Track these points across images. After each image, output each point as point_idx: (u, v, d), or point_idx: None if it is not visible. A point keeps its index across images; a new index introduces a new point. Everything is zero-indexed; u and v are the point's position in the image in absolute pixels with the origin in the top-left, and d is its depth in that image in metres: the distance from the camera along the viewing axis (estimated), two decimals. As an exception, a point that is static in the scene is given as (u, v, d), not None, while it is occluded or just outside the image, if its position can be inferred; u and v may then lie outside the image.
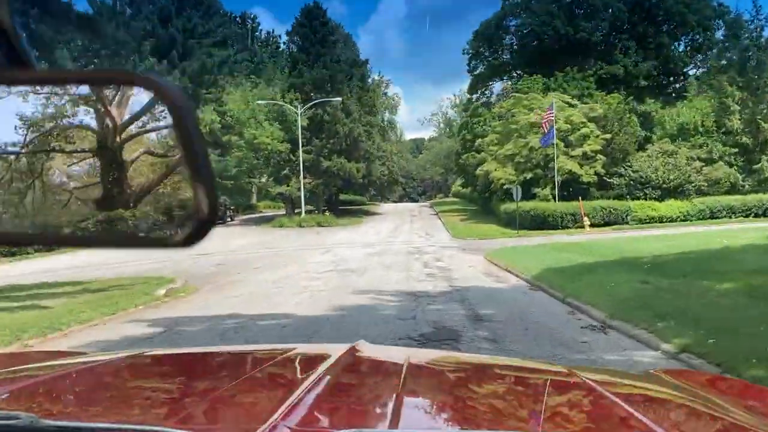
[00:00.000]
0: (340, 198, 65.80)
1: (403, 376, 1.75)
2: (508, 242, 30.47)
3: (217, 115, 41.63)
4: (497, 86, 64.64)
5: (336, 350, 2.00)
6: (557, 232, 35.69)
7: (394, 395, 1.57)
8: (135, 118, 2.74)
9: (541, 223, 36.97)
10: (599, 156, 41.75)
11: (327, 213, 49.15)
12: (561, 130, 41.46)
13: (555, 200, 39.46)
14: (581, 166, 41.51)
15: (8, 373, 1.94)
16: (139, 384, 1.93)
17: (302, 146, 47.56)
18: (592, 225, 36.46)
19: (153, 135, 2.39)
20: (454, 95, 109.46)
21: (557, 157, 41.50)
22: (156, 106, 0.82)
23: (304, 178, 48.38)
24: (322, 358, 1.94)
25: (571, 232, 35.42)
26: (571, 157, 41.96)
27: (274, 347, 2.62)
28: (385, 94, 53.95)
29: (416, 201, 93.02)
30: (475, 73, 65.33)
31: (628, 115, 44.21)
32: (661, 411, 1.73)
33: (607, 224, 37.33)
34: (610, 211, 37.84)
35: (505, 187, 42.54)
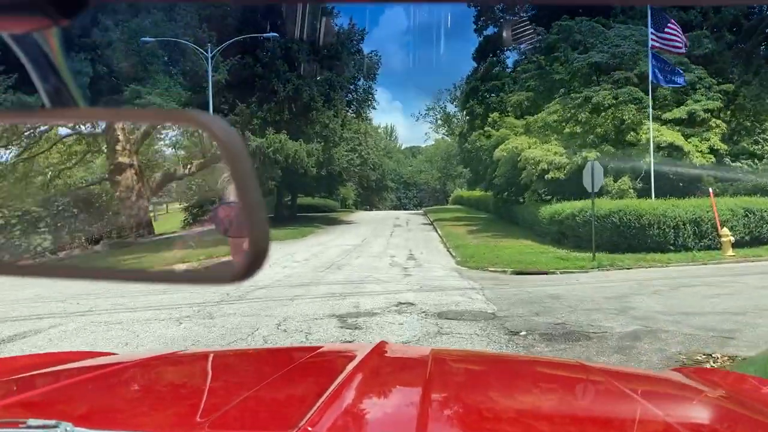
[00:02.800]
0: (301, 203, 47.88)
1: (428, 376, 1.77)
2: (605, 288, 12.69)
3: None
4: (510, 58, 46.12)
5: (361, 350, 2.05)
6: (671, 257, 17.71)
7: (422, 396, 1.56)
8: (187, 154, 1.10)
9: (630, 237, 18.91)
10: (715, 121, 23.79)
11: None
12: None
13: (650, 196, 21.44)
14: (686, 137, 23.54)
15: (39, 375, 1.94)
16: (168, 386, 1.96)
17: (217, 113, 29.48)
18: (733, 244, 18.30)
19: (205, 171, 1.00)
20: (454, 86, 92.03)
21: (641, 123, 23.58)
22: (208, 143, 0.87)
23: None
24: (348, 358, 2.01)
25: (702, 258, 17.49)
26: (665, 122, 24.00)
27: (301, 347, 3.40)
28: (358, 50, 35.67)
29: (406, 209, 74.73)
30: (485, 34, 47.24)
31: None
32: (685, 409, 1.73)
33: (759, 241, 19.30)
34: (763, 216, 19.73)
35: (548, 176, 24.47)
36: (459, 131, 44.60)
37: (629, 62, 24.80)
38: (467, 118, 40.49)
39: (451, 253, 21.47)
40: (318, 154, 33.53)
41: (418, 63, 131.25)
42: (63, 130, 1.16)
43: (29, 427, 1.06)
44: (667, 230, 18.76)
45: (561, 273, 16.29)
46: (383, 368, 2.00)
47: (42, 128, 1.03)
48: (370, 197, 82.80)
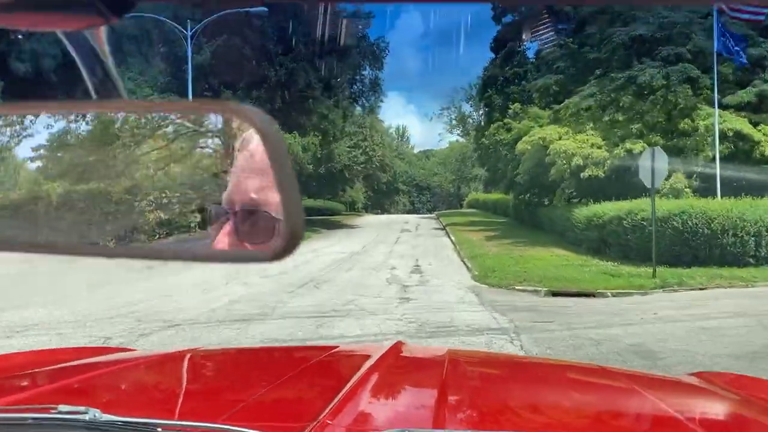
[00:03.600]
0: (306, 205, 43.95)
1: (444, 374, 1.78)
2: (707, 328, 8.63)
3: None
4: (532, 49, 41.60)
5: (377, 350, 2.06)
6: (756, 274, 13.53)
7: (438, 394, 1.55)
8: (224, 142, 0.99)
9: (696, 246, 14.73)
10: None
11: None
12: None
13: (713, 195, 17.24)
14: (754, 125, 19.35)
15: (64, 368, 1.97)
16: (189, 380, 1.97)
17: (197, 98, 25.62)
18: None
19: (243, 157, 0.96)
20: (470, 85, 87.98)
21: (696, 108, 19.54)
22: (245, 131, 0.91)
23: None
24: (365, 357, 1.99)
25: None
26: (725, 107, 19.84)
27: (316, 346, 3.32)
28: (364, 36, 31.72)
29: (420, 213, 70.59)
30: (503, 21, 43.08)
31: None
32: (701, 409, 1.72)
33: None
34: None
35: (584, 173, 20.42)
36: (475, 128, 40.29)
37: (681, 35, 20.64)
38: (484, 110, 36.40)
39: (466, 265, 17.38)
40: (315, 150, 29.56)
41: (433, 67, 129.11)
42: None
43: (60, 412, 1.08)
44: (746, 238, 14.56)
45: (613, 295, 12.20)
46: (400, 366, 2.01)
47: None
48: (381, 200, 78.92)
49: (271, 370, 2.09)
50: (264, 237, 0.91)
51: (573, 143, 20.93)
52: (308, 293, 11.96)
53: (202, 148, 1.09)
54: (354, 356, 2.36)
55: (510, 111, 31.56)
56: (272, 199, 0.89)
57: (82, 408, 1.10)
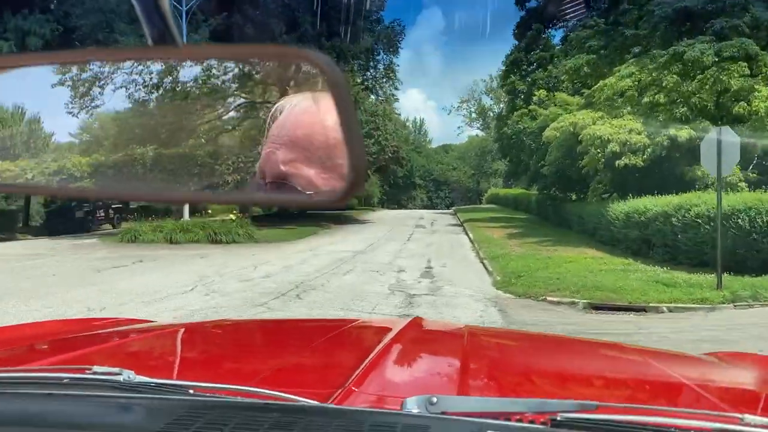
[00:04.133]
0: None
1: (465, 345, 1.81)
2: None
3: None
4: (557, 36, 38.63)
5: (397, 323, 2.17)
6: None
7: (460, 363, 1.57)
8: (294, 90, 1.13)
9: (766, 250, 12.18)
10: None
11: (242, 218, 24.69)
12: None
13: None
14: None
15: (93, 335, 2.03)
16: (217, 348, 2.02)
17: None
18: None
19: (308, 104, 1.10)
20: (491, 76, 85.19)
21: (753, 90, 16.94)
22: (315, 80, 0.94)
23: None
24: (386, 329, 2.06)
25: None
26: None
27: (338, 318, 3.68)
28: (378, 19, 29.28)
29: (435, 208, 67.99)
30: (527, 6, 40.34)
31: None
32: (725, 388, 1.68)
33: None
34: None
35: (621, 162, 17.93)
36: (496, 117, 37.61)
37: (736, 6, 18.01)
38: (507, 98, 33.80)
39: (486, 268, 14.96)
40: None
41: (454, 63, 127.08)
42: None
43: (94, 373, 1.11)
44: None
45: (670, 310, 9.75)
46: (421, 338, 2.04)
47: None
48: (398, 195, 76.44)
49: (295, 340, 2.10)
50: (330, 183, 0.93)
51: (609, 128, 18.39)
52: (284, 306, 9.59)
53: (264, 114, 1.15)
54: (375, 328, 2.50)
55: (535, 98, 29.03)
56: (303, 171, 0.96)
57: (116, 369, 1.11)
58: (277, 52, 1.10)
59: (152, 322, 2.65)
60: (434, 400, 0.97)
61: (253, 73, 1.15)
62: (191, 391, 1.06)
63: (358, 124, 0.82)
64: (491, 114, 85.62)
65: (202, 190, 1.16)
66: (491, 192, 65.54)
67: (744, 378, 1.80)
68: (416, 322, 2.13)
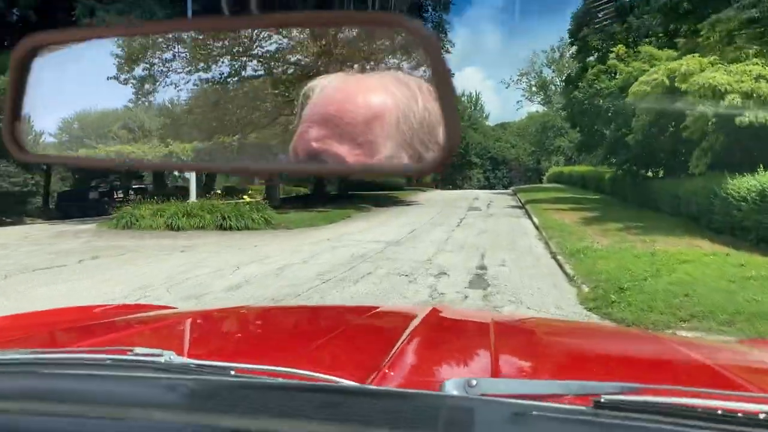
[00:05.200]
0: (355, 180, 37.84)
1: (492, 331, 1.78)
2: None
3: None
4: None
5: (419, 311, 2.12)
6: None
7: (490, 348, 1.56)
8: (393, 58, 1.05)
9: None
10: None
11: (259, 201, 20.79)
12: None
13: None
14: None
15: (136, 318, 2.09)
16: (254, 331, 2.03)
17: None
18: None
19: (341, 82, 1.03)
20: (552, 47, 79.19)
21: None
22: (412, 47, 0.93)
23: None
24: (410, 316, 2.01)
25: None
26: None
27: (360, 306, 3.61)
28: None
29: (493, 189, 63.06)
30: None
31: None
32: (747, 371, 1.60)
33: None
34: None
35: (744, 119, 13.08)
36: (564, 78, 32.40)
37: None
38: (577, 55, 28.77)
39: (563, 269, 10.56)
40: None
41: (512, 37, 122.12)
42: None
43: (136, 354, 1.11)
44: None
45: None
46: (446, 325, 2.05)
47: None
48: (453, 175, 71.77)
49: (323, 325, 2.12)
50: (426, 150, 0.94)
51: (725, 76, 13.59)
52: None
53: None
54: (399, 315, 2.48)
55: (612, 56, 24.10)
56: (334, 148, 0.93)
57: (157, 351, 1.11)
58: (364, 18, 1.06)
59: (174, 308, 2.71)
60: (474, 382, 0.95)
61: (337, 44, 1.13)
62: (233, 372, 1.04)
63: (453, 89, 0.78)
64: (553, 87, 79.86)
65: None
66: (554, 170, 60.19)
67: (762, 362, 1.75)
68: (437, 311, 2.14)
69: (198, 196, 21.26)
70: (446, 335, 1.87)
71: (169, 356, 1.09)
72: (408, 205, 30.24)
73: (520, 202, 30.25)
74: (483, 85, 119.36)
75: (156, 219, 18.93)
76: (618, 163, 23.30)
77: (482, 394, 0.92)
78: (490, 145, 76.00)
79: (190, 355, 1.14)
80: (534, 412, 0.82)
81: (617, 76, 21.95)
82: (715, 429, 0.78)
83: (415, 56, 0.93)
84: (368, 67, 1.11)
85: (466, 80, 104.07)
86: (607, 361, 1.67)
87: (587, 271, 9.55)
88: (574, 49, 29.55)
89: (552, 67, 79.76)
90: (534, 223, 19.59)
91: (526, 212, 24.13)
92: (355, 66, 1.13)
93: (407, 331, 1.62)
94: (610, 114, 22.16)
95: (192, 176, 20.53)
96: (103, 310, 2.44)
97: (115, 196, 29.59)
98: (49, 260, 11.83)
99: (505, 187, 64.14)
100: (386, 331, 1.97)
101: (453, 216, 22.73)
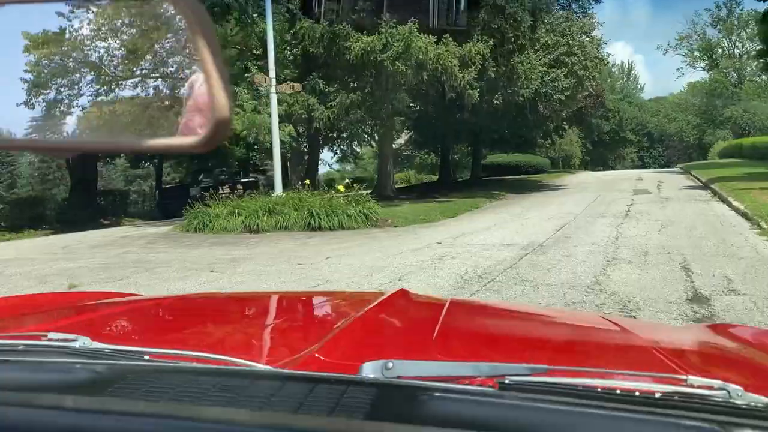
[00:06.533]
0: (492, 162, 33.01)
1: (441, 316, 1.75)
2: None
3: None
4: None
5: (382, 295, 2.07)
6: None
7: (429, 331, 1.54)
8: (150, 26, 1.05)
9: None
10: None
11: (360, 192, 16.51)
12: None
13: None
14: None
15: (66, 307, 2.08)
16: (183, 318, 1.99)
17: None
18: None
19: (167, 41, 1.03)
20: (717, 4, 68.97)
21: None
22: (171, 14, 0.91)
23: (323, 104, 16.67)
24: (366, 301, 1.98)
25: None
26: None
27: (319, 291, 3.55)
28: None
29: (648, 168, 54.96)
30: None
31: None
32: (686, 353, 1.66)
33: None
34: None
35: None
36: (762, 14, 25.18)
37: None
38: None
39: None
40: (483, 64, 18.02)
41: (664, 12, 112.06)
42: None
43: (50, 339, 1.11)
44: None
45: None
46: (398, 309, 1.99)
47: None
48: (604, 154, 64.19)
49: (268, 311, 2.10)
50: (193, 124, 0.90)
51: None
52: None
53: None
54: (355, 299, 2.41)
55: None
56: (199, 86, 0.89)
57: (71, 336, 1.12)
58: None
59: (139, 295, 2.68)
60: (390, 365, 0.96)
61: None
62: (146, 357, 1.05)
63: (220, 58, 0.74)
64: (719, 50, 69.58)
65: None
66: (729, 143, 51.16)
67: (712, 346, 1.73)
68: (401, 294, 2.12)
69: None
70: (390, 320, 1.83)
71: (84, 341, 1.09)
72: (554, 189, 24.79)
73: (700, 181, 23.86)
74: (635, 60, 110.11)
75: (232, 219, 15.18)
76: None
77: (398, 377, 0.92)
78: (646, 120, 67.42)
79: (109, 341, 1.12)
80: (438, 394, 0.82)
81: None
82: (612, 408, 0.78)
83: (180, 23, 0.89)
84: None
85: (617, 54, 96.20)
86: (531, 344, 1.68)
87: None
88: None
89: (718, 26, 69.54)
90: (735, 209, 13.82)
91: (715, 194, 18.09)
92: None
93: (352, 316, 1.65)
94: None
95: (276, 164, 16.58)
96: (69, 297, 2.48)
97: (220, 191, 26.87)
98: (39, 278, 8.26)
99: (661, 167, 55.90)
100: (330, 316, 2.00)
101: (616, 202, 17.18)
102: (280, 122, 17.11)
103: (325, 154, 35.72)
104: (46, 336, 1.13)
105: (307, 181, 16.62)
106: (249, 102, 18.00)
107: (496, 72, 18.82)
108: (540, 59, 20.14)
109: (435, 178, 39.05)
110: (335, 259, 9.43)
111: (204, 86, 0.78)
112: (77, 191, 26.11)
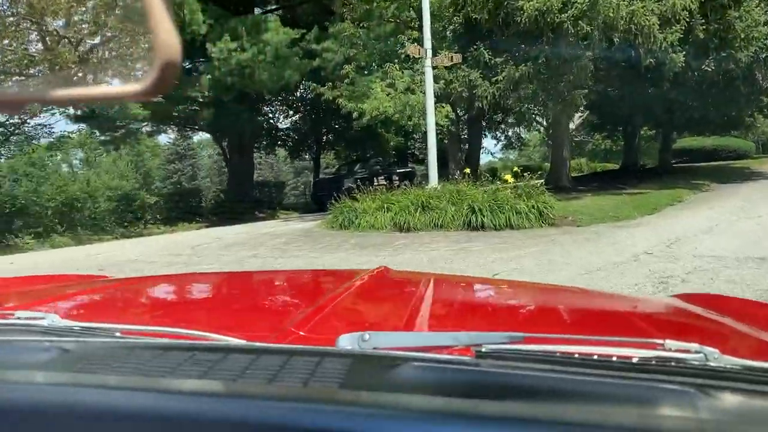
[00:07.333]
0: (683, 146, 28.68)
1: (420, 291, 1.75)
2: None
3: None
4: None
5: (362, 272, 2.04)
6: None
7: (408, 305, 1.54)
8: None
9: None
10: None
11: (531, 183, 13.56)
12: None
13: None
14: None
15: (37, 289, 2.03)
16: (159, 297, 1.98)
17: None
18: None
19: None
20: None
21: None
22: None
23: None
24: (347, 278, 1.96)
25: None
26: None
27: (303, 270, 3.49)
28: None
29: None
30: None
31: None
32: (665, 321, 1.69)
33: None
34: None
35: None
36: None
37: None
38: None
39: None
40: (688, 19, 14.40)
41: None
42: None
43: (18, 318, 1.10)
44: None
45: None
46: (379, 284, 1.97)
47: None
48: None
49: (246, 289, 2.08)
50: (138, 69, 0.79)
51: None
52: None
53: None
54: (336, 276, 2.42)
55: None
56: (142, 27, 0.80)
57: (40, 314, 1.11)
58: None
59: (119, 280, 2.61)
60: (366, 336, 0.95)
61: None
62: (118, 334, 1.04)
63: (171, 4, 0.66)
64: None
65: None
66: None
67: (688, 313, 1.71)
68: (382, 271, 2.09)
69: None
70: (371, 295, 1.81)
71: (53, 319, 1.08)
72: (755, 180, 20.26)
73: None
74: None
75: (380, 215, 13.01)
76: None
77: (374, 348, 0.92)
78: None
79: (79, 319, 1.11)
80: (415, 363, 0.82)
81: None
82: (590, 374, 0.78)
83: None
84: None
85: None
86: (509, 313, 1.69)
87: None
88: None
89: None
90: None
91: None
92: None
93: (332, 292, 1.62)
94: None
95: (431, 150, 14.10)
96: (36, 279, 2.39)
97: (376, 183, 25.08)
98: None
99: None
100: (311, 292, 1.97)
101: None
102: (436, 102, 14.70)
103: (487, 142, 32.83)
104: (13, 315, 1.11)
105: (467, 170, 14.03)
106: (401, 80, 15.73)
107: (705, 31, 15.03)
108: (763, 14, 15.99)
109: (610, 166, 34.82)
110: (505, 275, 6.81)
111: (148, 24, 0.66)
112: (233, 183, 25.52)
